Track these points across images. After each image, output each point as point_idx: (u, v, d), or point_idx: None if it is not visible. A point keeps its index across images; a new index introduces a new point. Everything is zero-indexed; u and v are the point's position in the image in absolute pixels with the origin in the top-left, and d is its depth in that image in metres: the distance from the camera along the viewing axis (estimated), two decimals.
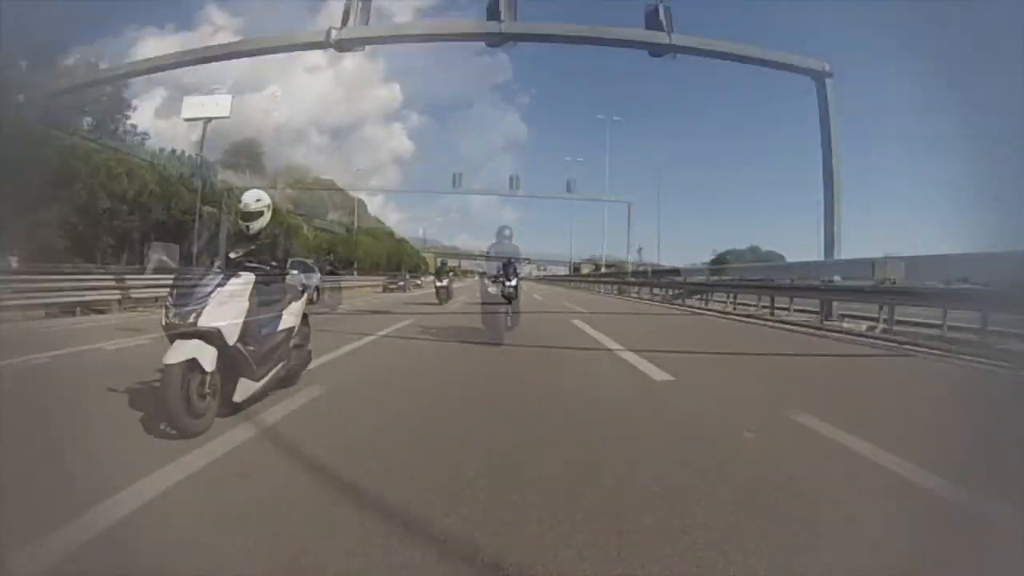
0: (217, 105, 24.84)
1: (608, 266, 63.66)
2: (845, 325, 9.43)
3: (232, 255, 3.22)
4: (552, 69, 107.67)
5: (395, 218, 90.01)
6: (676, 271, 24.09)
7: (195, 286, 2.87)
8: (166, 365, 2.66)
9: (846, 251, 11.26)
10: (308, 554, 1.59)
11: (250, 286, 3.09)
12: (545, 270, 66.15)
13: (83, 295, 12.67)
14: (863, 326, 9.00)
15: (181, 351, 2.70)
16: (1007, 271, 6.54)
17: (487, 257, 10.01)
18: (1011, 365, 5.24)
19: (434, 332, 7.75)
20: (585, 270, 61.61)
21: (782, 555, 1.61)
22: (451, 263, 20.87)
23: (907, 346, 6.65)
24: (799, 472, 2.33)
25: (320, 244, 38.82)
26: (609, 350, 6.05)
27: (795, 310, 10.99)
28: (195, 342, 2.77)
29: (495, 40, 10.60)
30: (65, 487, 2.04)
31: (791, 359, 6.01)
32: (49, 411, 3.14)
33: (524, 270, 16.08)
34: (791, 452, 2.60)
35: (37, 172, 14.59)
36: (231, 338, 2.91)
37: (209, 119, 25.46)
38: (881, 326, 8.41)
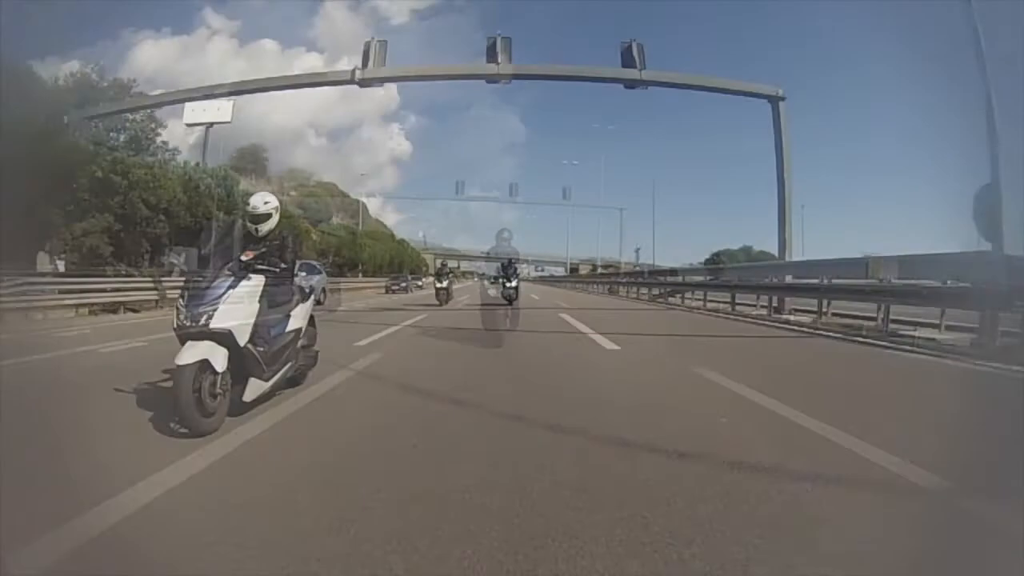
0: (219, 110, 24.69)
1: (605, 267, 65.10)
2: (792, 318, 11.19)
3: (244, 258, 3.27)
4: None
5: (393, 219, 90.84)
6: (674, 271, 25.50)
7: (207, 288, 2.95)
8: (178, 366, 2.74)
9: (844, 251, 12.98)
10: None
11: (260, 288, 3.19)
12: (543, 271, 67.26)
13: (126, 295, 14.58)
14: (806, 318, 10.76)
15: (193, 352, 2.79)
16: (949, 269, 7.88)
17: (487, 258, 11.64)
18: (886, 344, 6.98)
19: (446, 322, 9.52)
20: (584, 271, 63.02)
21: (656, 431, 3.39)
22: (451, 264, 21.55)
23: (820, 332, 8.43)
24: (682, 395, 4.03)
25: (327, 247, 40.37)
26: (582, 333, 7.86)
27: (761, 306, 12.74)
28: (207, 343, 2.86)
29: (494, 79, 12.46)
30: (73, 484, 2.13)
31: (717, 338, 7.82)
32: (51, 409, 3.38)
33: (523, 271, 17.11)
34: (680, 386, 4.33)
35: (85, 185, 16.33)
36: (242, 339, 2.99)
37: (211, 124, 25.39)
38: (818, 318, 10.18)
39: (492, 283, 15.08)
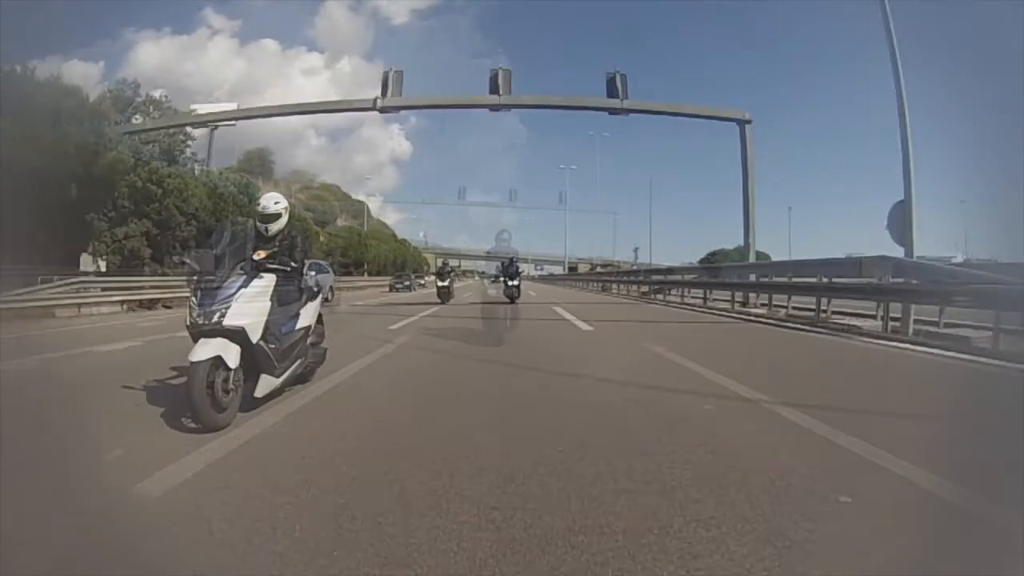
0: (223, 113, 24.39)
1: (604, 266, 66.54)
2: (754, 310, 12.91)
3: (256, 257, 3.34)
4: (550, 72, 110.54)
5: (394, 219, 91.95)
6: (671, 270, 27.02)
7: (220, 286, 3.02)
8: (192, 362, 2.79)
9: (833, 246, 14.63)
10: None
11: (272, 286, 3.27)
12: (542, 270, 68.61)
13: (161, 292, 16.42)
14: (764, 310, 12.48)
15: (207, 349, 2.86)
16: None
17: (487, 257, 13.14)
18: (808, 328, 8.69)
19: (456, 312, 11.29)
20: (583, 270, 64.48)
21: (597, 371, 5.16)
22: (452, 263, 21.86)
23: (764, 320, 10.15)
24: (632, 364, 5.74)
25: (333, 247, 41.99)
26: (567, 320, 9.61)
27: (736, 300, 14.43)
28: (219, 340, 2.93)
29: (496, 108, 14.27)
30: (82, 479, 2.23)
31: (674, 324, 9.58)
32: (74, 404, 3.61)
33: (523, 270, 17.86)
34: (627, 352, 6.11)
35: (126, 193, 18.11)
36: (254, 336, 3.06)
37: (215, 126, 25.47)
38: (769, 310, 11.90)
39: (493, 282, 16.33)
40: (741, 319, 10.47)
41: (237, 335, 2.98)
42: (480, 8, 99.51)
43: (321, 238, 40.32)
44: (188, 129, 20.46)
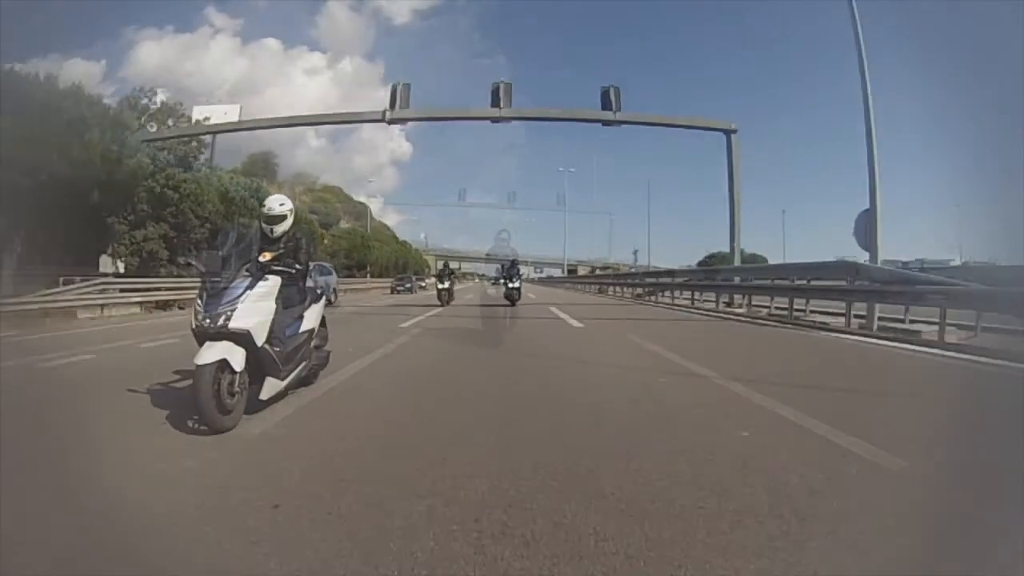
0: (225, 115, 25.04)
1: (603, 268, 67.24)
2: (737, 310, 13.82)
3: (262, 259, 3.32)
4: (549, 72, 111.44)
5: (394, 220, 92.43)
6: (662, 273, 27.90)
7: (224, 289, 3.00)
8: (198, 366, 2.80)
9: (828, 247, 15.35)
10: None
11: (277, 288, 3.25)
12: (542, 272, 69.13)
13: (177, 294, 17.26)
14: (744, 308, 13.39)
15: (212, 352, 2.86)
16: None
17: (487, 259, 13.78)
18: (776, 324, 9.59)
19: (459, 312, 12.20)
20: (582, 272, 65.17)
21: (586, 356, 6.08)
22: (452, 265, 21.80)
23: (742, 318, 11.06)
24: (610, 351, 6.73)
25: (337, 249, 42.78)
26: (561, 319, 10.51)
27: (722, 301, 15.31)
28: (225, 343, 2.92)
29: (497, 120, 15.27)
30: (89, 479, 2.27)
31: (658, 321, 10.48)
32: (79, 407, 3.65)
33: (523, 272, 18.17)
34: (611, 343, 7.04)
35: (144, 198, 19.03)
36: (260, 339, 3.05)
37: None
38: (748, 309, 12.82)
39: (493, 284, 17.00)
40: (721, 317, 11.39)
41: (242, 338, 2.98)
42: (481, 8, 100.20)
43: (325, 240, 41.16)
44: (202, 139, 21.36)
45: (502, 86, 14.77)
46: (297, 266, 3.46)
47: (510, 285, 13.98)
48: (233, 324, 2.93)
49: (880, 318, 8.81)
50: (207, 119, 23.99)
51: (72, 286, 16.41)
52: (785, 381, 4.32)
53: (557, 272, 63.78)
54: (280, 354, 3.23)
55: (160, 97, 21.06)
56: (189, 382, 3.61)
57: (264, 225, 3.62)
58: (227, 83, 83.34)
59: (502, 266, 16.27)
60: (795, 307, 10.51)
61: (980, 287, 6.96)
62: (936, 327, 6.94)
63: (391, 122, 16.00)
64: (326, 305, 4.21)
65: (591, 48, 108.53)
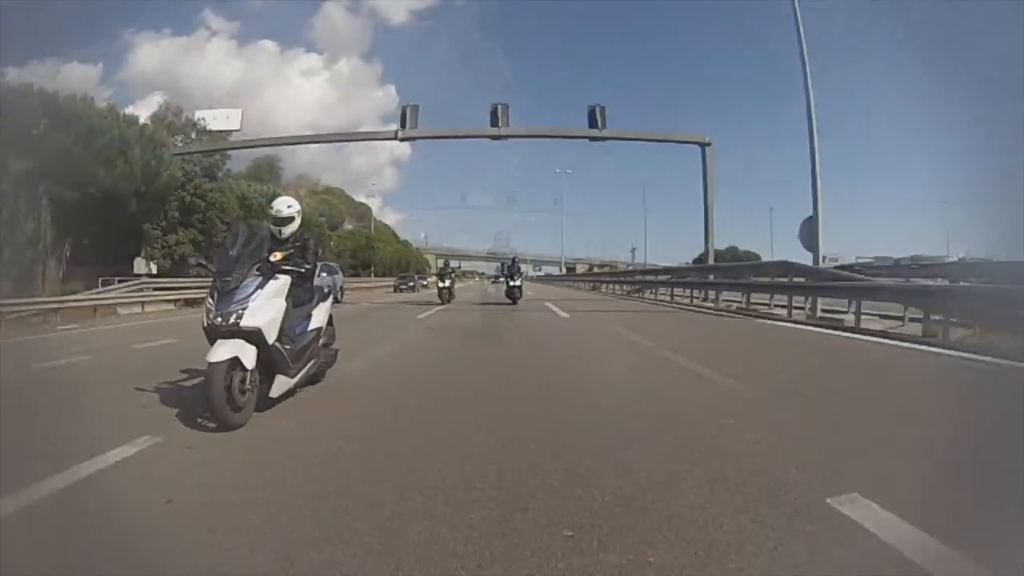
0: (227, 119, 25.82)
1: (600, 266, 68.83)
2: (706, 304, 15.68)
3: (272, 259, 3.35)
4: (548, 72, 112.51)
5: (393, 219, 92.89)
6: (669, 270, 29.49)
7: (235, 288, 3.07)
8: (210, 363, 2.88)
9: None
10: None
11: (287, 288, 3.33)
12: (540, 271, 70.41)
13: (204, 292, 19.15)
14: (714, 304, 15.26)
15: (224, 350, 2.94)
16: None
17: (487, 258, 15.04)
18: (737, 316, 11.44)
19: (464, 307, 14.08)
20: (580, 270, 66.64)
21: (567, 342, 7.97)
22: (452, 263, 21.75)
23: (705, 309, 12.92)
24: (585, 333, 8.63)
25: (343, 249, 44.43)
26: (553, 311, 12.38)
27: (696, 296, 17.16)
28: (237, 341, 3.00)
29: (496, 138, 17.17)
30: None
31: (633, 312, 12.36)
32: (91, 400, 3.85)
33: (524, 271, 19.17)
34: (595, 331, 8.90)
35: (175, 206, 20.91)
36: (270, 337, 3.12)
37: (222, 132, 26.51)
38: (716, 304, 14.67)
39: (493, 282, 18.49)
40: (688, 309, 13.28)
41: (254, 336, 3.03)
42: (478, 8, 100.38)
43: (332, 241, 42.86)
44: (226, 153, 23.17)
45: (500, 107, 16.70)
46: (306, 266, 3.52)
47: (511, 283, 14.35)
48: (245, 322, 3.00)
49: (828, 310, 10.70)
50: (203, 120, 24.72)
51: (112, 286, 18.36)
52: (702, 350, 6.20)
53: (555, 270, 65.42)
54: (290, 352, 3.31)
55: (186, 115, 22.85)
56: (195, 381, 4.02)
57: (272, 227, 3.68)
58: (224, 85, 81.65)
59: (502, 265, 17.08)
60: (753, 301, 12.42)
61: (882, 281, 8.86)
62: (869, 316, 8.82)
63: (402, 140, 17.88)
64: (333, 303, 4.30)
65: (590, 48, 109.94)
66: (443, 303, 14.89)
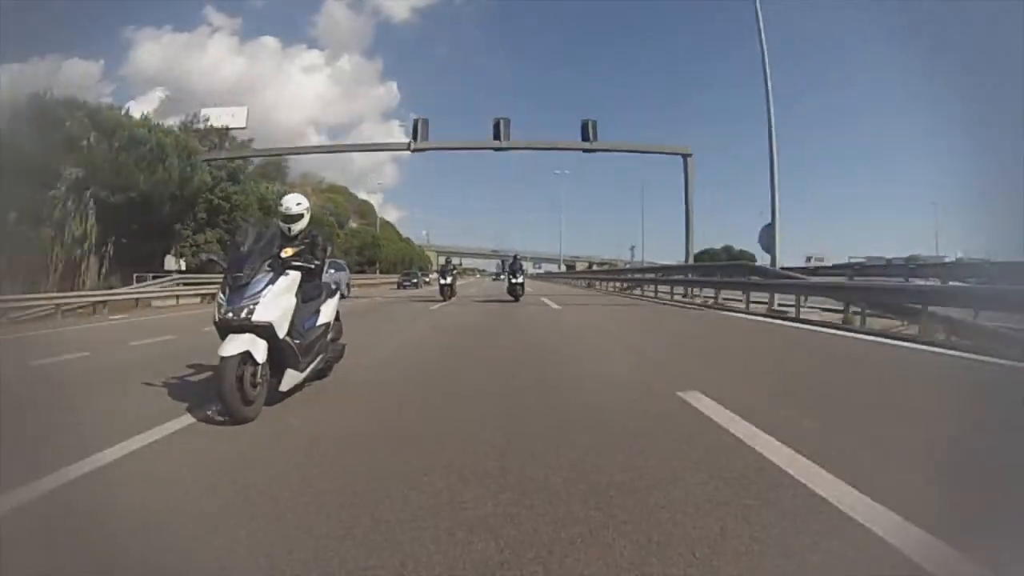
0: (234, 116, 26.36)
1: (600, 264, 70.31)
2: (697, 300, 17.58)
3: (284, 255, 3.40)
4: (549, 72, 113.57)
5: (394, 216, 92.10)
6: (654, 269, 31.05)
7: (247, 284, 3.11)
8: (222, 358, 2.93)
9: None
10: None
11: (297, 283, 3.39)
12: (540, 268, 71.85)
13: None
14: (698, 300, 17.16)
15: (236, 344, 3.00)
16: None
17: (488, 255, 16.32)
18: (703, 308, 13.33)
19: (470, 298, 16.00)
20: (580, 267, 68.05)
21: (554, 328, 9.92)
22: (454, 260, 22.39)
23: (680, 303, 14.81)
24: (568, 320, 10.56)
25: (350, 246, 46.17)
26: (547, 304, 14.29)
27: (677, 293, 19.04)
28: (248, 336, 3.05)
29: (499, 150, 19.05)
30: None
31: (616, 306, 14.28)
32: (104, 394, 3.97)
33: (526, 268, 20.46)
34: (573, 318, 10.84)
35: (203, 208, 22.84)
36: (281, 332, 3.19)
37: (227, 129, 27.78)
38: (690, 299, 16.57)
39: (493, 279, 20.20)
40: (665, 304, 15.21)
41: (265, 330, 3.09)
42: (480, 6, 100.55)
43: (339, 238, 44.60)
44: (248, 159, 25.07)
45: (502, 121, 18.63)
46: (316, 262, 3.55)
47: (514, 281, 14.71)
48: (256, 317, 3.05)
49: (785, 305, 12.59)
50: (207, 119, 25.96)
51: (146, 282, 20.33)
52: (651, 333, 8.12)
53: (555, 268, 67.09)
54: (300, 346, 3.37)
55: (210, 121, 24.75)
56: (203, 375, 4.22)
57: (282, 223, 3.71)
58: (226, 81, 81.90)
59: (502, 262, 18.37)
60: (725, 296, 14.33)
61: (813, 280, 10.81)
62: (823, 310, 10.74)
63: (414, 151, 19.79)
64: (340, 299, 4.36)
65: (591, 48, 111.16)
66: (444, 299, 15.19)
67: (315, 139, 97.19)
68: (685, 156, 19.39)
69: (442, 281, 16.06)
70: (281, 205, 3.82)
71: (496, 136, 18.78)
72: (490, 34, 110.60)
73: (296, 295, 3.40)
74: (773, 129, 14.02)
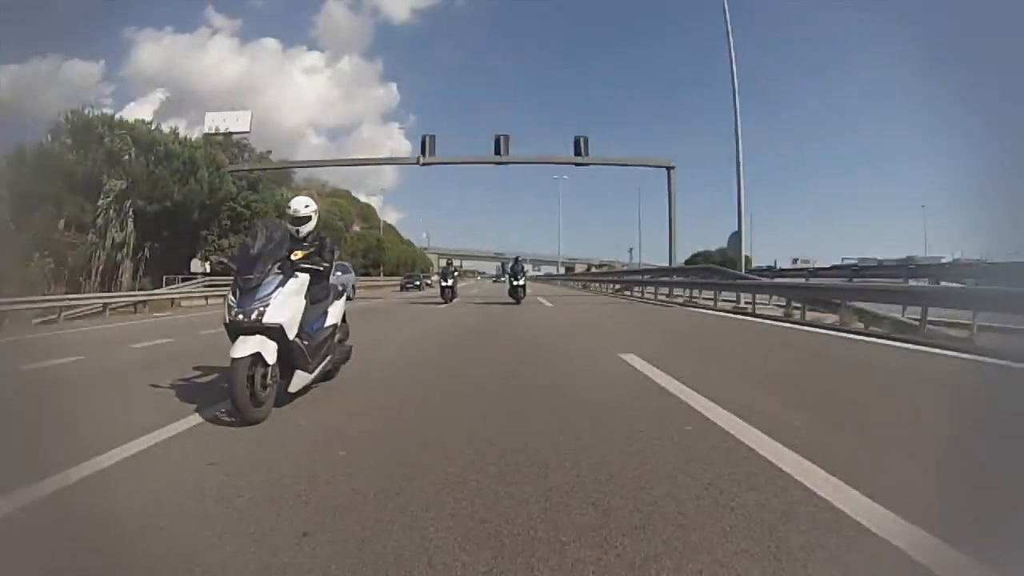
0: (238, 120, 27.09)
1: (599, 266, 71.76)
2: (677, 299, 19.54)
3: (293, 258, 3.42)
4: (549, 72, 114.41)
5: (394, 218, 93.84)
6: (631, 272, 31.49)
7: (257, 286, 3.15)
8: (233, 359, 2.98)
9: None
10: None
11: (306, 285, 3.44)
12: (539, 270, 73.14)
13: None
14: (679, 300, 19.12)
15: (247, 346, 3.04)
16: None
17: (489, 257, 17.54)
18: (680, 306, 15.29)
19: (470, 300, 17.99)
20: (579, 269, 69.10)
21: (546, 322, 11.92)
22: (455, 263, 22.37)
23: (662, 302, 16.77)
24: (559, 316, 12.53)
25: (355, 249, 47.77)
26: (542, 303, 16.24)
27: (662, 293, 21.00)
28: (258, 337, 3.10)
29: (499, 163, 21.04)
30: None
31: (604, 305, 16.24)
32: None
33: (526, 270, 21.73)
34: (563, 315, 12.83)
35: (226, 215, 24.83)
36: (291, 333, 3.24)
37: (230, 133, 28.17)
38: (672, 298, 18.54)
39: (493, 281, 21.86)
40: (648, 303, 17.20)
41: (275, 332, 3.15)
42: (480, 7, 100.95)
43: (346, 242, 46.25)
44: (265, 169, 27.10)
45: (502, 137, 20.73)
46: (324, 264, 3.58)
47: (515, 283, 14.87)
48: (267, 319, 3.11)
49: (750, 302, 14.54)
50: (216, 127, 26.38)
51: (175, 285, 22.32)
52: (624, 323, 10.09)
53: (554, 270, 68.59)
54: (308, 348, 3.42)
55: (222, 128, 26.86)
56: (210, 377, 4.41)
57: (290, 226, 3.71)
58: (227, 83, 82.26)
59: (502, 264, 19.48)
60: (704, 295, 16.28)
61: (762, 280, 12.82)
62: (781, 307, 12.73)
63: (423, 165, 21.85)
64: (346, 301, 4.38)
65: (591, 48, 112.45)
66: (446, 301, 15.54)
67: (315, 140, 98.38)
68: (668, 168, 21.40)
69: (443, 283, 16.28)
70: (289, 208, 3.88)
71: (497, 151, 20.79)
72: (490, 35, 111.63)
73: (305, 297, 3.46)
74: (740, 145, 15.93)
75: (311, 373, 3.54)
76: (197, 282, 22.08)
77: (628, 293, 22.66)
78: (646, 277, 22.19)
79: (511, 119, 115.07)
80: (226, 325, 3.19)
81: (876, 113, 79.38)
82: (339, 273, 4.20)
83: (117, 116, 21.60)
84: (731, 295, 14.10)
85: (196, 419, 3.19)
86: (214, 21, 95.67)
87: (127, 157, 19.73)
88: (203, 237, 24.21)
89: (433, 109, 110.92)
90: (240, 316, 3.11)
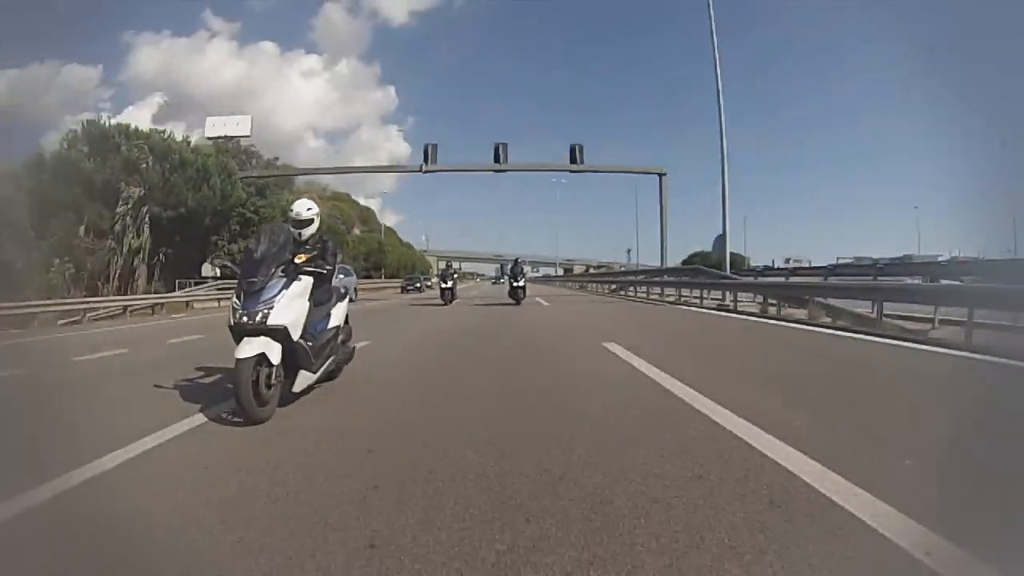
0: (238, 125, 27.48)
1: (597, 267, 72.51)
2: (669, 298, 20.56)
3: (297, 260, 3.46)
4: (549, 72, 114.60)
5: (393, 220, 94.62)
6: (625, 274, 32.15)
7: (261, 289, 3.20)
8: (238, 360, 3.03)
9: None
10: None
11: (309, 288, 3.49)
12: (538, 272, 73.87)
13: None
14: (670, 298, 20.15)
15: (251, 347, 3.10)
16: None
17: (488, 259, 18.24)
18: (670, 304, 16.29)
19: (470, 301, 19.01)
20: (578, 271, 69.75)
21: (542, 320, 12.94)
22: (454, 265, 22.57)
23: (652, 300, 17.79)
24: (553, 314, 13.54)
25: (357, 252, 48.56)
26: (539, 303, 17.24)
27: (654, 293, 21.99)
28: (263, 339, 3.15)
29: (498, 171, 22.08)
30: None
31: (598, 304, 17.26)
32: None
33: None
34: (558, 313, 13.84)
35: (236, 220, 25.81)
36: (295, 334, 3.29)
37: (231, 138, 28.65)
38: (663, 297, 19.56)
39: (493, 283, 22.69)
40: (639, 302, 18.23)
41: (279, 333, 3.20)
42: (478, 9, 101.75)
43: (348, 245, 47.07)
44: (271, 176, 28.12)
45: (501, 146, 21.72)
46: (327, 267, 3.65)
47: (515, 284, 15.13)
48: (272, 320, 3.17)
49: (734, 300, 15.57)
50: (215, 134, 27.30)
51: (187, 289, 23.31)
52: (612, 318, 11.10)
53: (552, 272, 69.35)
54: (312, 348, 3.50)
55: (234, 136, 27.84)
56: (213, 378, 4.53)
57: (292, 229, 3.75)
58: (225, 86, 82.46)
59: (501, 266, 20.56)
60: (692, 295, 17.31)
61: (743, 279, 13.85)
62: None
63: (426, 172, 22.93)
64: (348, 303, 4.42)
65: (591, 48, 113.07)
66: (446, 303, 15.77)
67: (313, 143, 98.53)
68: (660, 175, 22.46)
69: (443, 285, 16.47)
70: (292, 210, 3.89)
71: (496, 159, 21.82)
72: (488, 36, 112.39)
73: (308, 299, 3.50)
74: (724, 143, 16.70)
75: (314, 373, 3.61)
76: (209, 285, 23.06)
77: (623, 293, 23.67)
78: (640, 278, 23.21)
79: (510, 120, 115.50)
80: (231, 327, 3.25)
81: (876, 113, 79.99)
82: (341, 276, 4.29)
83: (133, 126, 22.54)
84: (718, 294, 15.13)
85: (200, 418, 3.27)
86: (212, 24, 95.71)
87: (144, 165, 20.70)
88: (214, 242, 25.15)
89: (431, 111, 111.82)
90: (245, 318, 3.17)
